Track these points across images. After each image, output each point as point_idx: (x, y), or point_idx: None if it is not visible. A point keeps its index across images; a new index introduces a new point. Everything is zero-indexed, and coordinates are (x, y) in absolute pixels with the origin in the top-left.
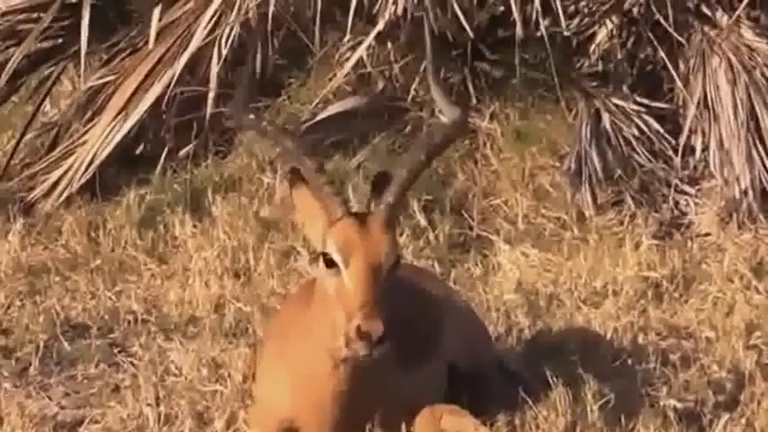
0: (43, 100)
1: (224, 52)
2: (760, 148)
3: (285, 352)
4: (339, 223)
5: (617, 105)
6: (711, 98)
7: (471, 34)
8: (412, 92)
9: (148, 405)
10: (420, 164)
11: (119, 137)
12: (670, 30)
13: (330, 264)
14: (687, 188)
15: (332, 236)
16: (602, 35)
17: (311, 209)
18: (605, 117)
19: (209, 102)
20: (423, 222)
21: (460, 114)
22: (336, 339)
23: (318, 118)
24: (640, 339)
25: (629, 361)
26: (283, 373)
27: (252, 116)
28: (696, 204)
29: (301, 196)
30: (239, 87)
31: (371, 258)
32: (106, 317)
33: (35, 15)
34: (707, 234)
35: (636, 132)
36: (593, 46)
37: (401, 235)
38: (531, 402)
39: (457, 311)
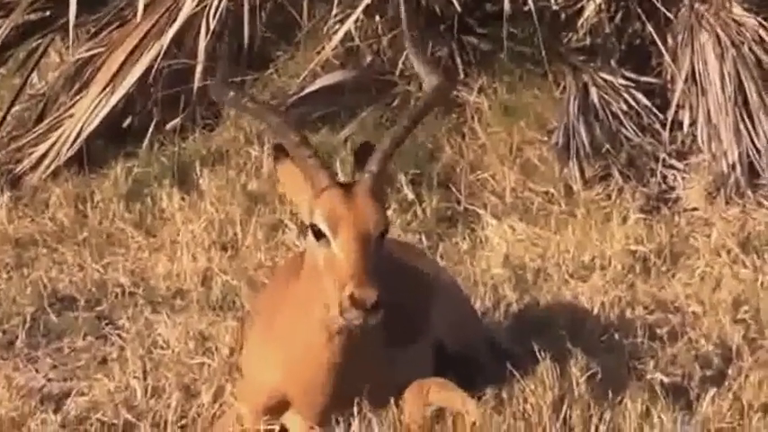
0: (31, 72)
1: (212, 25)
2: (747, 123)
3: (275, 326)
4: (325, 193)
5: (605, 80)
6: (699, 73)
7: (459, 8)
8: (400, 65)
9: (135, 378)
10: (402, 131)
11: (106, 110)
12: (658, 4)
13: (319, 235)
14: (675, 162)
15: (318, 206)
16: (590, 9)
17: (296, 182)
18: (593, 91)
19: (197, 75)
20: (410, 196)
21: (441, 80)
22: (330, 310)
23: (306, 91)
24: (628, 314)
25: (617, 335)
26: (273, 348)
27: (232, 92)
28: (684, 179)
29: (286, 170)
30: (221, 63)
31: (360, 226)
32: (93, 289)
33: None
34: (694, 208)
35: (624, 107)
36: (581, 20)
37: (388, 209)
38: (518, 376)
39: (445, 290)
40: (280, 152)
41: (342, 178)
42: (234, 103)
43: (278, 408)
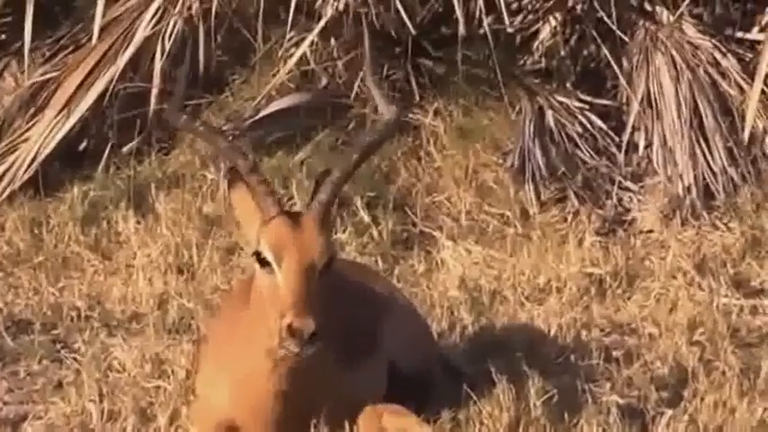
0: None
1: (167, 48)
2: (703, 146)
3: (224, 351)
4: (272, 222)
5: (560, 102)
6: (655, 95)
7: (413, 31)
8: (355, 88)
9: (92, 401)
10: (353, 163)
11: (62, 133)
12: (613, 27)
13: (263, 263)
14: (630, 185)
15: (265, 235)
16: (545, 32)
17: (248, 208)
18: (548, 114)
19: (153, 98)
20: (366, 219)
21: (395, 114)
22: (271, 338)
23: (261, 114)
24: (584, 336)
25: (573, 357)
26: (223, 373)
27: (185, 116)
28: (639, 201)
29: (238, 195)
30: (177, 85)
31: (304, 257)
32: (49, 313)
33: None
34: (650, 231)
35: (579, 129)
36: (536, 43)
37: (344, 232)
38: (475, 398)
39: (398, 309)
40: (234, 176)
41: (297, 202)
42: (186, 126)
43: (230, 431)
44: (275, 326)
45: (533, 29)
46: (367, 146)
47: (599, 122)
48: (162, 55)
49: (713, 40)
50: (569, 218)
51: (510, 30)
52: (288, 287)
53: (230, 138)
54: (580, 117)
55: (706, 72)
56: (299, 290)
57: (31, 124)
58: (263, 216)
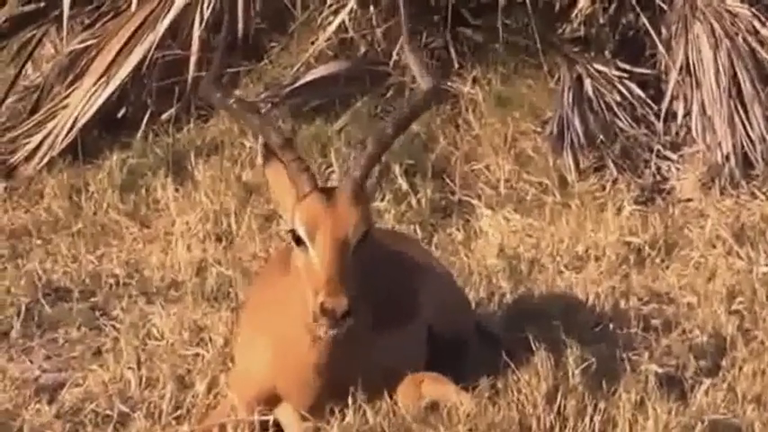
0: (25, 63)
1: (206, 15)
2: (742, 114)
3: (265, 321)
4: (306, 199)
5: (599, 71)
6: (693, 64)
7: None
8: (394, 56)
9: (130, 369)
10: (388, 136)
11: (101, 100)
12: None
13: (298, 241)
14: (669, 154)
15: (298, 212)
16: (584, 0)
17: (283, 185)
18: (587, 83)
19: (192, 65)
20: (405, 187)
21: (432, 85)
22: (308, 316)
23: (300, 82)
24: (622, 304)
25: (611, 326)
26: (264, 343)
27: (219, 93)
28: (678, 170)
29: (274, 172)
30: (214, 60)
31: (337, 233)
32: (88, 280)
33: None
34: (689, 200)
35: (618, 98)
36: (575, 11)
37: (383, 199)
38: (513, 366)
39: (436, 277)
40: (270, 152)
41: (336, 170)
42: (220, 103)
43: (270, 399)
44: (310, 304)
45: None
46: (402, 119)
47: (638, 91)
48: (201, 22)
49: (752, 9)
50: (608, 186)
51: None
52: (321, 264)
53: (269, 106)
54: (619, 86)
55: (745, 40)
56: (333, 267)
57: (70, 91)
58: (298, 193)
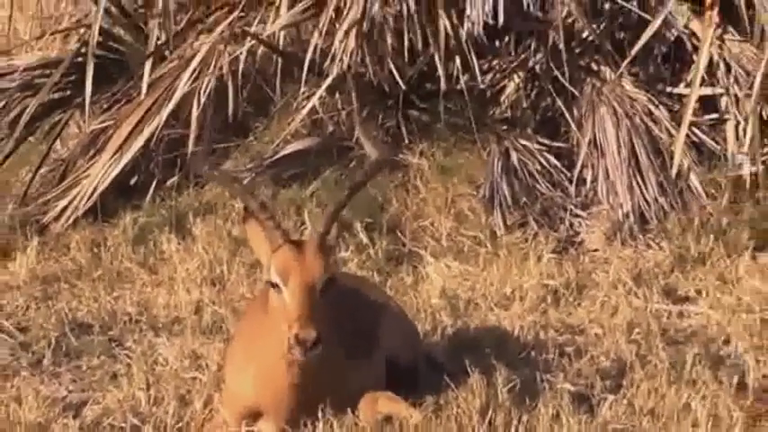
0: (54, 140)
1: (202, 101)
2: (639, 180)
3: (249, 349)
4: (279, 250)
5: (523, 145)
6: (599, 139)
7: (403, 87)
8: (356, 134)
9: (140, 389)
10: (344, 198)
11: (116, 171)
12: (566, 83)
13: (274, 285)
14: (579, 212)
15: (273, 261)
16: (510, 88)
17: (259, 239)
18: (513, 154)
19: (191, 142)
20: (365, 240)
21: (380, 156)
22: (283, 344)
23: (279, 155)
24: (541, 335)
25: (533, 353)
26: (247, 367)
27: (206, 168)
28: (587, 225)
29: (252, 229)
30: (202, 144)
31: (306, 278)
32: (106, 317)
33: (48, 71)
34: (596, 249)
35: (538, 167)
36: (503, 96)
37: (346, 250)
38: (453, 387)
39: (393, 314)
40: (248, 213)
41: (309, 227)
42: (208, 175)
43: (254, 415)
44: (285, 336)
45: (500, 85)
46: (356, 184)
47: (554, 161)
48: (198, 107)
49: (647, 94)
50: (530, 239)
51: (481, 86)
52: (293, 303)
53: (254, 175)
54: (539, 157)
55: (641, 120)
56: (302, 305)
57: (91, 164)
58: (272, 245)
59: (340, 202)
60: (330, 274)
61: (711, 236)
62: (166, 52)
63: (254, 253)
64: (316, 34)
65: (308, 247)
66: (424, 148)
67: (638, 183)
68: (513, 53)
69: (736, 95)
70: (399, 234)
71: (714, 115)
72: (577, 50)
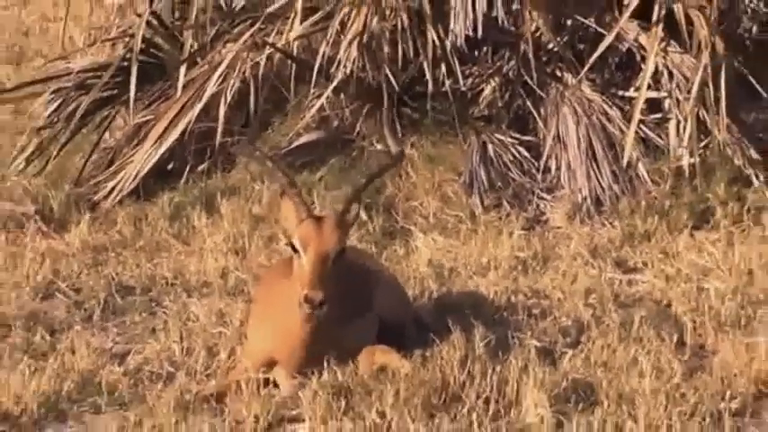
0: (104, 132)
1: (228, 99)
2: (595, 170)
3: (266, 308)
4: (303, 223)
5: (498, 138)
6: (562, 134)
7: (397, 88)
8: (357, 128)
9: (175, 342)
10: (362, 185)
11: (156, 157)
12: (534, 87)
13: (295, 250)
14: (545, 195)
15: (297, 231)
16: (487, 90)
17: (290, 211)
18: (490, 147)
19: (219, 134)
20: (364, 218)
21: (399, 150)
22: (295, 304)
23: (293, 145)
24: (513, 299)
25: (505, 314)
26: (266, 325)
27: (251, 148)
28: (551, 206)
29: (285, 203)
30: (249, 133)
31: (321, 249)
32: (146, 281)
33: (99, 74)
34: (558, 227)
35: (510, 157)
36: (481, 98)
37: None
38: (437, 342)
39: (386, 281)
40: (283, 191)
41: (317, 206)
42: (251, 154)
43: (270, 364)
44: (298, 294)
45: (479, 88)
46: (373, 174)
47: (524, 152)
48: (225, 104)
49: (603, 97)
50: (503, 218)
51: (463, 89)
52: (307, 268)
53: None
54: (511, 149)
55: (597, 119)
56: (315, 271)
57: (134, 151)
58: (298, 218)
59: (358, 186)
60: (342, 247)
61: (656, 216)
62: (198, 58)
63: (280, 224)
64: (324, 44)
65: (327, 222)
66: (415, 140)
67: (594, 171)
68: (489, 61)
69: (677, 98)
70: (393, 213)
71: (659, 115)
72: (544, 59)
